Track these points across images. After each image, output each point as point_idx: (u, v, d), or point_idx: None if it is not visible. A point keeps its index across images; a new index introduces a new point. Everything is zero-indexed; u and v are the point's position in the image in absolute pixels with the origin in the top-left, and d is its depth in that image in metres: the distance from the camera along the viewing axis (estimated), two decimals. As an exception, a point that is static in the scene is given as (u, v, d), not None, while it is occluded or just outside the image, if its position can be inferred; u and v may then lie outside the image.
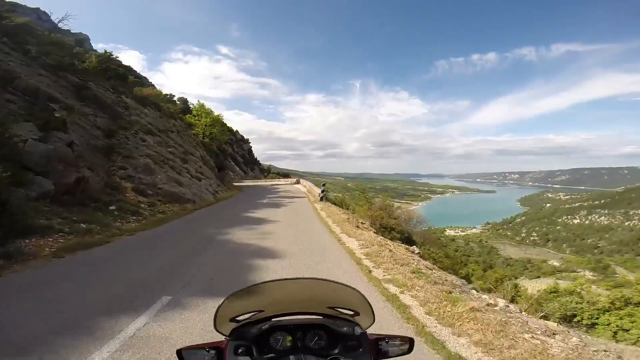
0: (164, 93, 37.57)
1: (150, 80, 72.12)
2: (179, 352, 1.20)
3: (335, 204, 18.64)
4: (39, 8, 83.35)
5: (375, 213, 16.70)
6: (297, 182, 36.78)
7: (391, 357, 1.32)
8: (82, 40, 73.75)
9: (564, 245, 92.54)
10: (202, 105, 37.14)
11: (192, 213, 13.71)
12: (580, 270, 59.43)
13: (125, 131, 15.04)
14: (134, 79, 31.91)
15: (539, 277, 51.76)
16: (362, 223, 12.75)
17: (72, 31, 78.54)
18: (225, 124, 41.71)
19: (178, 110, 28.68)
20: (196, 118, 35.10)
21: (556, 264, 67.79)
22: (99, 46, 36.14)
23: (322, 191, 18.89)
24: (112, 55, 24.85)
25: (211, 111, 36.85)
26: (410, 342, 1.36)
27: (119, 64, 31.53)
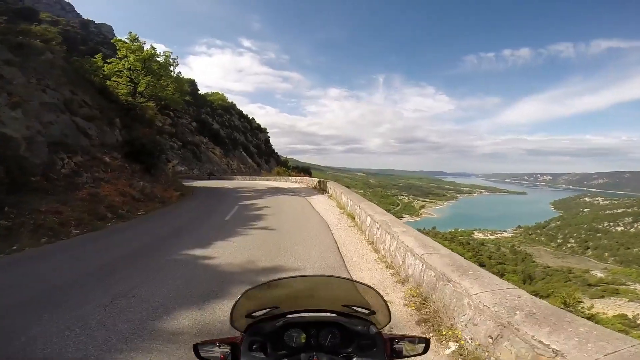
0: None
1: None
2: (195, 347, 1.18)
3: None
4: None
5: None
6: (321, 189, 19.35)
7: (406, 357, 1.27)
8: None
9: (606, 254, 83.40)
10: (134, 38, 20.48)
11: None
12: (630, 283, 52.81)
13: None
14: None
15: (602, 296, 45.77)
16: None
17: (95, 22, 77.94)
18: (169, 70, 22.07)
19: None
20: (121, 61, 20.06)
21: (600, 274, 60.53)
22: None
23: None
24: None
25: (153, 49, 20.45)
26: (426, 342, 1.31)
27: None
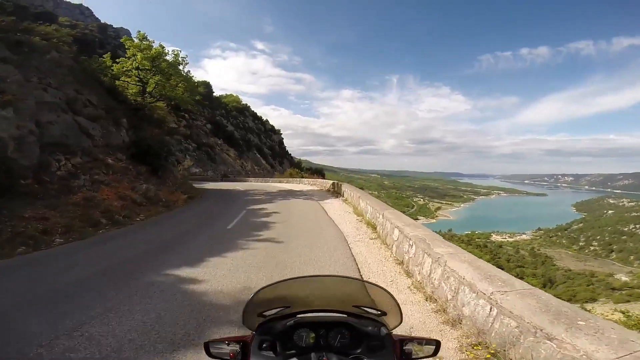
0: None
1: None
2: (206, 345, 1.17)
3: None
4: (81, 4, 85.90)
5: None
6: (335, 192, 17.94)
7: (415, 359, 1.23)
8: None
9: (632, 257, 79.53)
10: (143, 37, 19.58)
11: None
12: (657, 287, 49.74)
13: None
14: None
15: (628, 301, 43.24)
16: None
17: (113, 26, 79.25)
18: (179, 69, 21.04)
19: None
20: (129, 60, 19.17)
21: (625, 278, 57.63)
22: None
23: None
24: None
25: (162, 47, 19.52)
26: (436, 344, 1.26)
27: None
